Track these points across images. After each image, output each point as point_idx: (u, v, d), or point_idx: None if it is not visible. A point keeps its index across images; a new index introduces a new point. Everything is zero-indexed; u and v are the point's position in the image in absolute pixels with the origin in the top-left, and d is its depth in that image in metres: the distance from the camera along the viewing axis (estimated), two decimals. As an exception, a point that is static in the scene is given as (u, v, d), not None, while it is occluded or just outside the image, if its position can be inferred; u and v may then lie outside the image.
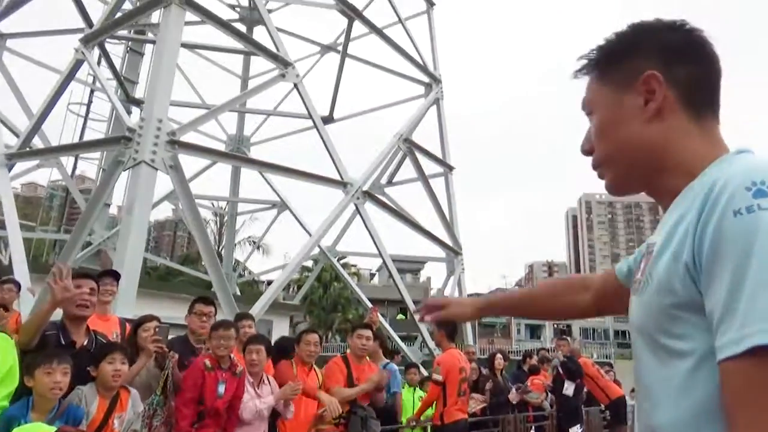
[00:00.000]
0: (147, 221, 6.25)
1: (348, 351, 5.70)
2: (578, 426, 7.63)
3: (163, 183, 6.45)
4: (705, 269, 0.76)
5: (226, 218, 24.29)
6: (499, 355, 8.05)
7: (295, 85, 8.58)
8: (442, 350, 6.34)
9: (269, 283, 33.73)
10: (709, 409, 0.78)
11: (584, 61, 1.05)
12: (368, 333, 5.72)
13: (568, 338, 8.92)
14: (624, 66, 0.97)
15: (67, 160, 13.87)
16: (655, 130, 0.94)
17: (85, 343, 3.64)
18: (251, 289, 26.36)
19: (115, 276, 4.41)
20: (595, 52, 1.03)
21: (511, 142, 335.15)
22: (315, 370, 5.15)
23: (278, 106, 14.86)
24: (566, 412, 7.65)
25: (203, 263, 30.03)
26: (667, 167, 0.94)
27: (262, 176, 14.56)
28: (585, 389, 9.08)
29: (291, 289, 35.62)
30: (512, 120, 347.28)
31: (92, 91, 14.73)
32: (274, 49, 8.43)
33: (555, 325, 56.64)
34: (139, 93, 14.40)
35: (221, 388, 3.87)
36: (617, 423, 8.92)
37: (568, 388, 7.67)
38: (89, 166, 16.02)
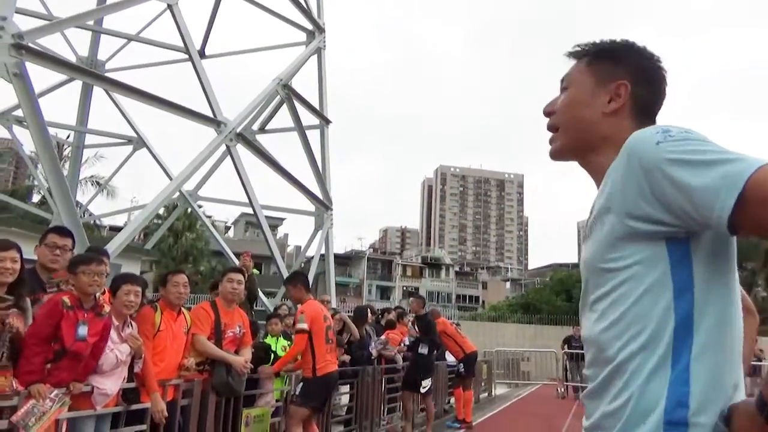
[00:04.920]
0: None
1: (217, 296, 5.37)
2: (429, 378, 8.06)
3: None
4: (660, 191, 0.98)
5: (67, 151, 21.79)
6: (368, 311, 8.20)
7: (170, 7, 7.70)
8: (302, 303, 5.90)
9: (112, 228, 31.10)
10: (635, 316, 1.03)
11: (580, 49, 1.31)
12: (239, 277, 5.41)
13: (422, 299, 9.29)
14: (608, 67, 1.25)
15: None
16: (607, 123, 1.22)
17: None
18: (91, 232, 24.10)
19: None
20: (591, 46, 1.30)
21: (377, 107, 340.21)
22: (184, 313, 4.78)
23: (141, 32, 13.39)
24: (420, 367, 8.03)
25: (33, 200, 26.80)
26: (601, 152, 1.21)
27: (118, 107, 13.15)
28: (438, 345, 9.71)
29: (138, 237, 33.21)
30: (381, 84, 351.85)
31: None
32: (147, -38, 7.45)
33: (404, 288, 59.53)
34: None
35: (82, 330, 3.41)
36: (468, 375, 9.76)
37: (423, 347, 8.04)
38: None
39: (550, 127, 1.32)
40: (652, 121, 1.23)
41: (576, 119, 1.26)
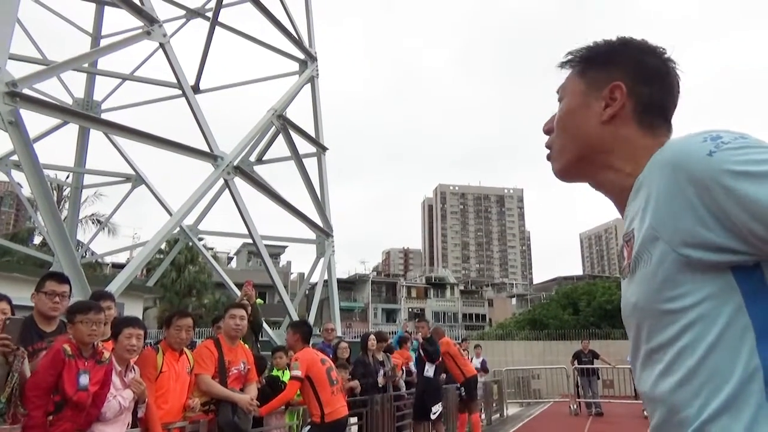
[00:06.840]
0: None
1: (220, 333, 5.32)
2: (439, 404, 7.91)
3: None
4: (720, 212, 0.83)
5: (66, 191, 21.84)
6: (372, 337, 8.01)
7: (162, 46, 7.78)
8: (295, 353, 5.71)
9: (115, 265, 31.01)
10: (712, 367, 0.85)
11: (571, 56, 1.18)
12: (242, 312, 5.32)
13: (427, 321, 9.19)
14: (602, 70, 1.12)
15: None
16: (607, 132, 1.08)
17: None
18: (94, 271, 24.08)
19: None
20: (583, 51, 1.17)
21: (374, 129, 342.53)
22: (186, 353, 4.72)
23: (135, 71, 13.53)
24: (429, 392, 7.87)
25: (34, 242, 26.82)
26: (611, 166, 1.08)
27: (115, 147, 13.22)
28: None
29: (140, 273, 33.12)
30: (375, 107, 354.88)
31: None
32: (138, 2, 7.54)
33: (409, 309, 59.16)
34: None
35: (84, 379, 3.36)
36: (470, 399, 9.58)
37: (429, 370, 7.88)
38: None
39: (548, 146, 1.19)
40: (667, 124, 1.10)
41: (572, 131, 1.13)
